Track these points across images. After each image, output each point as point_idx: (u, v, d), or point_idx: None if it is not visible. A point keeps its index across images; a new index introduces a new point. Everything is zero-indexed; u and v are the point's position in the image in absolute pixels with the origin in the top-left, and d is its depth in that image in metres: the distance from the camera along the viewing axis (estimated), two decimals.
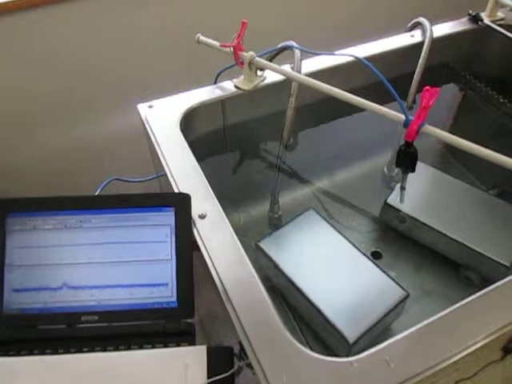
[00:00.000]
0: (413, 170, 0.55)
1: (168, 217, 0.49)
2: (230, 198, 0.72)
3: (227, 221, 0.49)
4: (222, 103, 0.66)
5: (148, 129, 0.62)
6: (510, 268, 0.61)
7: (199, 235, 0.48)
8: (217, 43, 0.66)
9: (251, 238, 0.65)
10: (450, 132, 0.51)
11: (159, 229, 0.49)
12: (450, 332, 0.42)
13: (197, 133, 0.67)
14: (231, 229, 0.48)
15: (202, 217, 0.50)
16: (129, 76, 0.88)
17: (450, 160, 0.81)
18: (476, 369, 0.48)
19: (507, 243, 0.62)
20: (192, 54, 0.78)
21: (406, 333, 0.41)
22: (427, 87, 0.50)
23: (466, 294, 0.62)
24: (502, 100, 0.81)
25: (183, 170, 0.55)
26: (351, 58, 0.73)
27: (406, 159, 0.53)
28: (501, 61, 0.84)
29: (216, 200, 0.51)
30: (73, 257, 0.49)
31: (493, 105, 0.82)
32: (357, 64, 0.74)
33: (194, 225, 0.49)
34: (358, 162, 0.78)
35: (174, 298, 0.48)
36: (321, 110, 0.75)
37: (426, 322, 0.43)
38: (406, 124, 0.52)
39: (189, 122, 0.64)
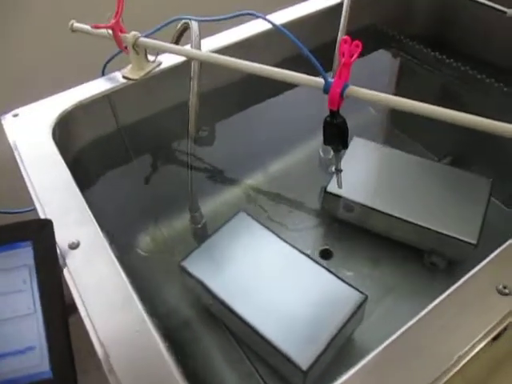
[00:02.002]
0: (345, 146, 0.44)
1: (24, 255, 0.36)
2: (144, 213, 0.60)
3: (108, 247, 0.36)
4: (108, 100, 0.53)
5: (11, 143, 0.48)
6: (476, 246, 0.51)
7: (69, 271, 0.35)
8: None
9: (178, 256, 0.52)
10: None
11: (14, 273, 0.35)
12: (422, 353, 0.30)
13: (81, 140, 0.54)
14: (113, 257, 0.35)
15: (74, 247, 0.37)
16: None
17: (393, 131, 0.72)
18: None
19: (470, 218, 0.53)
20: (74, 46, 0.64)
21: (361, 365, 0.30)
22: (345, 37, 0.40)
23: (432, 284, 0.54)
24: (439, 57, 0.72)
25: (53, 190, 0.42)
26: (262, 29, 0.62)
27: (335, 133, 0.43)
28: (431, 16, 0.75)
29: (95, 223, 0.39)
30: None
31: (431, 63, 0.74)
32: (270, 35, 0.63)
33: (63, 259, 0.36)
34: (290, 148, 0.67)
35: (47, 366, 0.35)
36: (238, 92, 0.64)
37: (386, 344, 0.31)
38: (327, 89, 0.41)
39: (66, 129, 0.51)
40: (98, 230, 0.38)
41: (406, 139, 0.70)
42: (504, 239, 0.59)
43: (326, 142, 0.44)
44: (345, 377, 0.30)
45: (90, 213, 0.40)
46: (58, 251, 0.36)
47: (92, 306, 0.33)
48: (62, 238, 0.37)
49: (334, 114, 0.41)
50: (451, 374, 0.28)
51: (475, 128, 0.36)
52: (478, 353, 0.29)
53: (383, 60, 0.78)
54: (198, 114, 0.55)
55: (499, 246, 0.51)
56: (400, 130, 0.72)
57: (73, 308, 0.34)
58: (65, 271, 0.36)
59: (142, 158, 0.62)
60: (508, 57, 0.69)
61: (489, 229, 0.52)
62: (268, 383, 0.46)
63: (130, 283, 0.33)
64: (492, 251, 0.55)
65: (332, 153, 0.62)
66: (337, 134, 0.42)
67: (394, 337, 0.30)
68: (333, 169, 0.50)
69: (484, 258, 0.55)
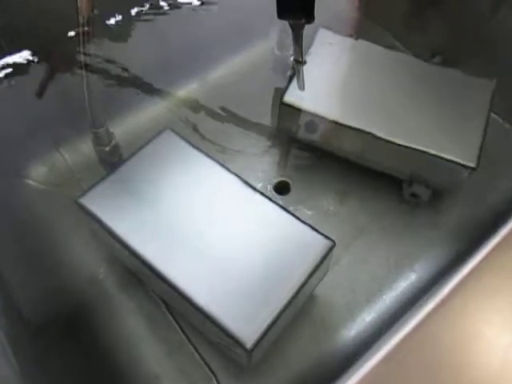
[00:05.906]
0: (310, 17, 0.28)
1: None
2: (37, 132, 0.47)
3: None
4: None
5: None
6: (474, 170, 0.41)
7: None
8: None
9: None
10: None
11: None
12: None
13: None
14: None
15: None
16: None
17: (371, 26, 0.60)
18: None
19: (467, 134, 0.42)
20: None
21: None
22: None
23: (413, 222, 0.45)
24: None
25: None
26: None
27: None
28: None
29: None
30: None
31: None
32: None
33: None
34: (234, 47, 0.55)
35: None
36: None
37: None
38: None
39: None
40: None
41: (386, 35, 0.59)
42: (505, 163, 0.48)
43: (282, 12, 0.29)
44: None
45: None
46: None
47: None
48: None
49: None
50: None
51: None
52: None
53: None
54: None
55: (501, 171, 0.40)
56: (376, 24, 0.59)
57: None
58: None
59: (20, 58, 0.45)
60: None
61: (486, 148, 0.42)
62: (203, 356, 0.38)
63: None
64: (492, 177, 0.44)
65: (291, 50, 0.47)
66: None
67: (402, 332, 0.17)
68: (292, 59, 0.35)
69: (482, 186, 0.44)
